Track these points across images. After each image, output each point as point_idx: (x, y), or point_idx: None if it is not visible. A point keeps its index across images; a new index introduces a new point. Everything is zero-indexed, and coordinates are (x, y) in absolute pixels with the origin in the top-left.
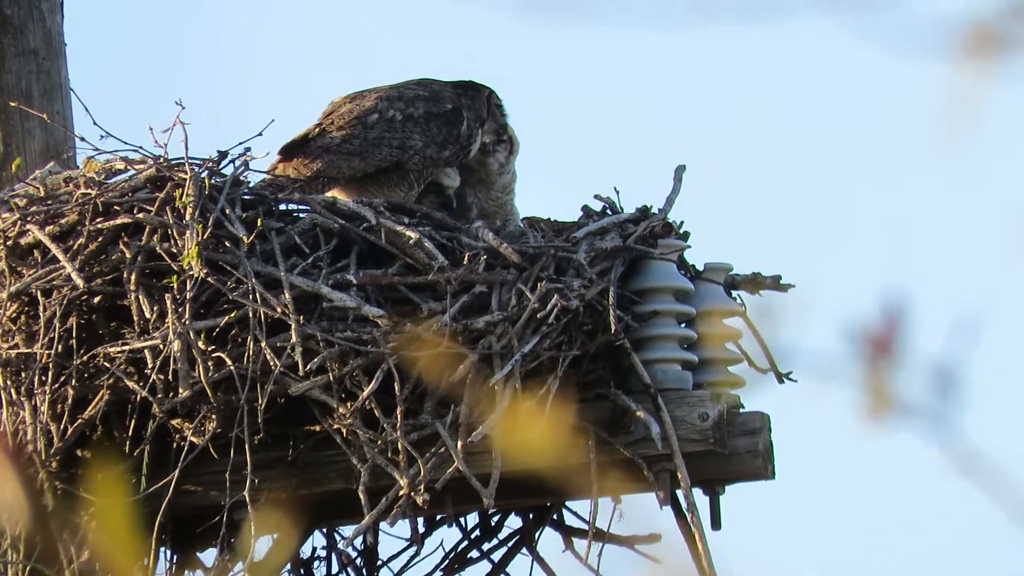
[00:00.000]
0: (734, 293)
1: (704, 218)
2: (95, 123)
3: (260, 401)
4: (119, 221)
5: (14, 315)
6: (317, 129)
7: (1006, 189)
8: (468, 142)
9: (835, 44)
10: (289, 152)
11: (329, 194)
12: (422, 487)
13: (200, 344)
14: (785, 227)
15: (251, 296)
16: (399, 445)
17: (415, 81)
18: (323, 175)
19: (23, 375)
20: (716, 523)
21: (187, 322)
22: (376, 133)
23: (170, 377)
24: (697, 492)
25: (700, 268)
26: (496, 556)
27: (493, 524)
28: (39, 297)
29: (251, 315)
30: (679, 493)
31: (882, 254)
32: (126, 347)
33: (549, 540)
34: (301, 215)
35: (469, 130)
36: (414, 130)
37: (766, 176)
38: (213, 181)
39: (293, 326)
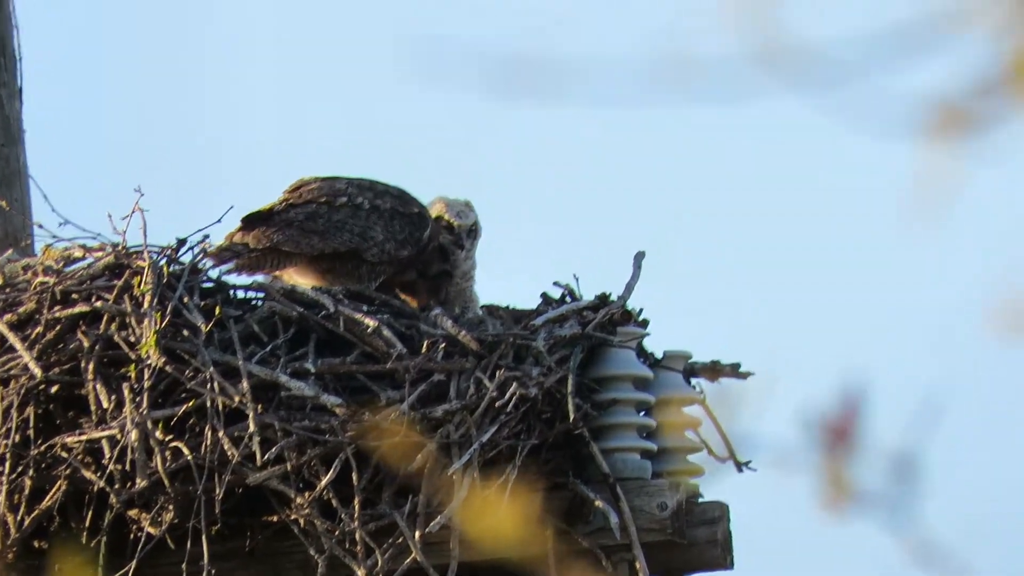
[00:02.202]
0: (693, 381)
1: (663, 305)
2: (54, 210)
3: (218, 491)
4: (77, 309)
5: None
6: (282, 203)
7: (970, 271)
8: (426, 249)
9: (802, 123)
10: (251, 222)
11: (285, 273)
12: None
13: (158, 434)
14: (746, 313)
15: (209, 385)
16: (357, 535)
17: (391, 185)
18: (281, 248)
19: None
20: None
21: (145, 412)
22: (341, 216)
23: (127, 467)
24: None
25: (659, 356)
26: None
27: None
28: None
29: (209, 404)
30: None
31: (842, 340)
32: (83, 437)
33: None
34: (259, 303)
35: (430, 240)
36: (378, 222)
37: (727, 261)
38: (171, 269)
39: (251, 415)
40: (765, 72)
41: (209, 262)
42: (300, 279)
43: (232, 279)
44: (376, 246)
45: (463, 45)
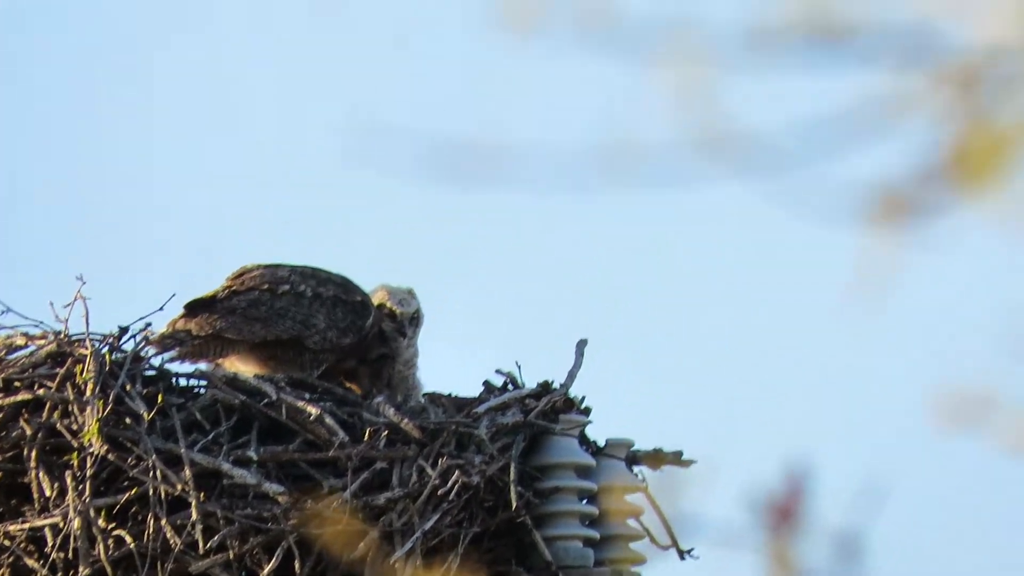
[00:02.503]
0: (635, 469)
1: (605, 393)
2: None
3: None
4: (19, 397)
5: None
6: (225, 291)
7: (912, 357)
8: (368, 336)
9: (745, 209)
10: (193, 308)
11: (227, 360)
12: None
13: (100, 522)
14: (689, 399)
15: (152, 473)
16: None
17: (334, 272)
18: (223, 335)
19: None
20: None
21: (87, 499)
22: (283, 304)
23: (70, 555)
24: None
25: (602, 444)
26: None
27: None
28: None
29: (152, 492)
30: None
31: (786, 423)
32: (26, 525)
33: None
34: (201, 391)
35: (373, 327)
36: (320, 310)
37: (670, 348)
38: (114, 357)
39: (193, 503)
40: (707, 158)
41: (152, 350)
42: (243, 366)
43: (175, 367)
44: (318, 334)
45: (405, 131)
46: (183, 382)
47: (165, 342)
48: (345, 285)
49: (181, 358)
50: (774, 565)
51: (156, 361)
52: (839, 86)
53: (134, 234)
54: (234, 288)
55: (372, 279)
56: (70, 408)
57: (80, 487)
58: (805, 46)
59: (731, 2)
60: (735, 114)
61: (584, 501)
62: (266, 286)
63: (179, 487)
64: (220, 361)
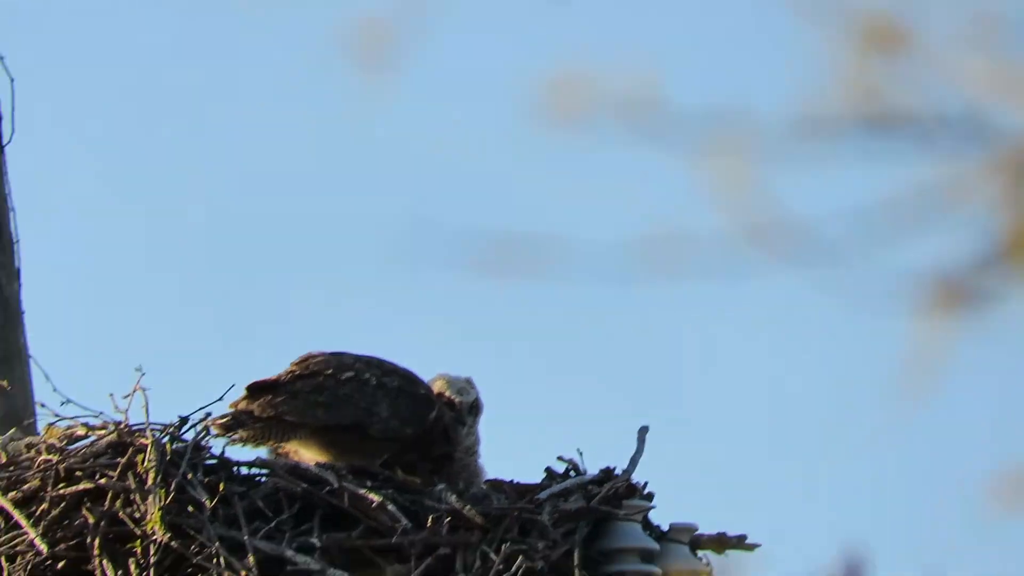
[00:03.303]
0: (699, 553)
1: (667, 478)
2: (55, 389)
3: None
4: (81, 487)
5: None
6: (289, 375)
7: (967, 446)
8: (432, 430)
9: (800, 299)
10: (256, 391)
11: (289, 445)
12: None
13: None
14: (748, 485)
15: (215, 560)
16: None
17: (399, 365)
18: (285, 418)
19: None
20: None
21: None
22: (347, 390)
23: None
24: None
25: (665, 528)
26: None
27: None
28: (3, 563)
29: None
30: None
31: (843, 510)
32: None
33: None
34: (263, 479)
35: (436, 421)
36: (384, 399)
37: (728, 434)
38: (174, 446)
39: None
40: (758, 248)
41: (213, 432)
42: (304, 452)
43: (235, 455)
44: (381, 422)
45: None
46: (244, 471)
47: (227, 423)
48: (409, 377)
49: (243, 442)
50: None
51: (217, 448)
52: (892, 174)
53: (193, 325)
54: (298, 372)
55: (430, 372)
56: (132, 497)
57: (144, 574)
58: (856, 134)
59: (781, 91)
60: (786, 204)
61: None
62: (330, 371)
63: (243, 574)
64: (282, 446)
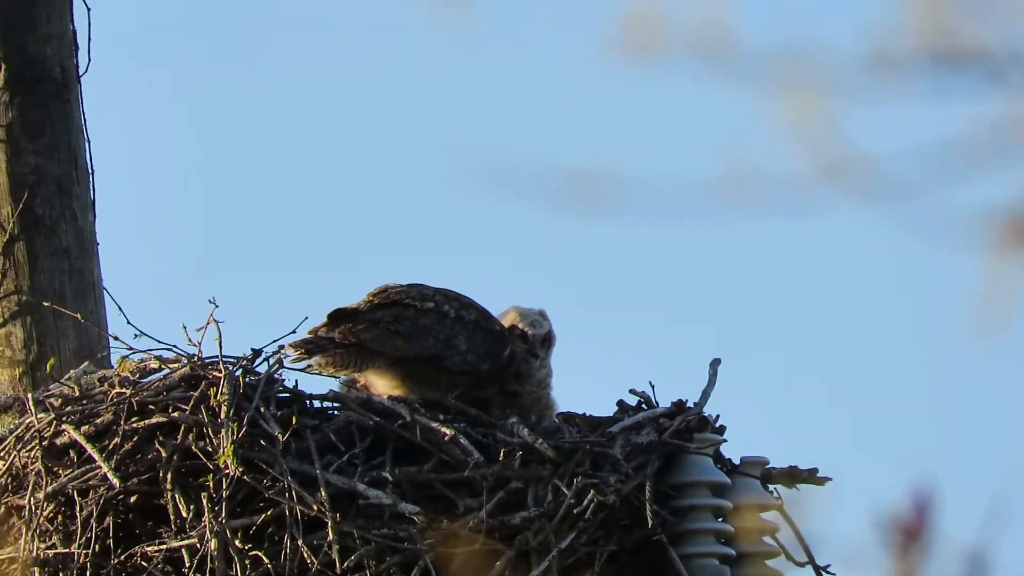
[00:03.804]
0: (770, 487)
1: (739, 412)
2: (129, 322)
3: None
4: (154, 420)
5: (51, 515)
6: (368, 303)
7: None
8: (506, 368)
9: (871, 236)
10: (337, 318)
11: (364, 374)
12: None
13: (237, 542)
14: (818, 418)
15: (287, 494)
16: None
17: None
18: (366, 346)
19: (61, 575)
20: None
21: (223, 521)
22: (427, 321)
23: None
24: None
25: (736, 462)
26: None
27: None
28: (75, 497)
29: (287, 513)
30: None
31: (914, 443)
32: (163, 546)
33: None
34: (335, 413)
35: (511, 359)
36: (462, 332)
37: (801, 368)
38: (247, 380)
39: (330, 524)
40: (830, 186)
41: (291, 358)
42: (379, 381)
43: (308, 388)
44: (459, 355)
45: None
46: (316, 404)
47: (307, 347)
48: (485, 313)
49: (321, 368)
50: None
51: (290, 380)
52: (964, 111)
53: (267, 257)
54: (377, 302)
55: (502, 307)
56: (205, 431)
57: (216, 508)
58: (928, 71)
59: (853, 28)
60: (857, 141)
61: (719, 519)
62: (410, 301)
63: (315, 508)
64: (357, 375)
